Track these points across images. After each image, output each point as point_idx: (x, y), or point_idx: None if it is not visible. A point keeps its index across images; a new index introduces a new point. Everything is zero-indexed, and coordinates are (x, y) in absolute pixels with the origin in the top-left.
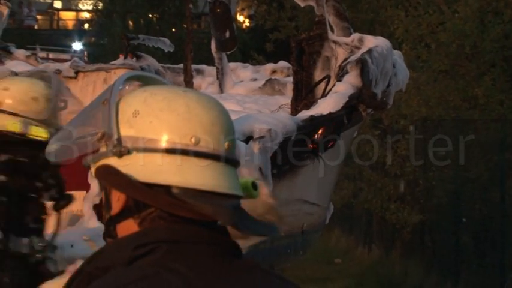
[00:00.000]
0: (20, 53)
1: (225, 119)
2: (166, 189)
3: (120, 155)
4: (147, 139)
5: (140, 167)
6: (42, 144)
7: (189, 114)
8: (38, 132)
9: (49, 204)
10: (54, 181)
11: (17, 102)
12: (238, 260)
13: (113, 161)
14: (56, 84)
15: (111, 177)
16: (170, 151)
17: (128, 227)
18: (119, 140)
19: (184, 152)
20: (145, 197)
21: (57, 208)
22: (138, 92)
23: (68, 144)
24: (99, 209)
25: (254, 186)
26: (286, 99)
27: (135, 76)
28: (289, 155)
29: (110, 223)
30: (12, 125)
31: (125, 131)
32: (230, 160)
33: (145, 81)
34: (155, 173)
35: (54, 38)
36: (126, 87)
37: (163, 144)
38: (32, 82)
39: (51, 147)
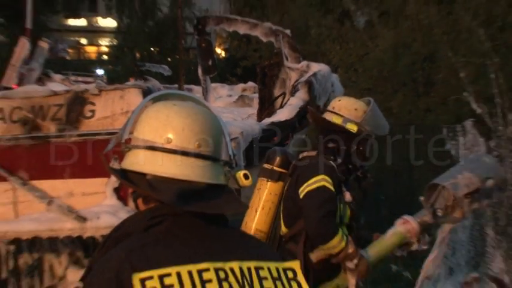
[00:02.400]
0: (57, 76)
1: (198, 125)
2: (144, 176)
3: (124, 151)
4: (141, 139)
5: (132, 160)
6: (353, 136)
7: (167, 121)
8: (351, 126)
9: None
10: (359, 164)
11: (343, 108)
12: (225, 227)
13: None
14: (373, 106)
15: (110, 170)
16: (148, 148)
17: (140, 204)
18: (125, 140)
19: (156, 149)
20: (125, 182)
21: (361, 185)
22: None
23: None
24: (118, 191)
25: (246, 176)
26: (253, 110)
27: (168, 94)
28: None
29: (133, 200)
30: (336, 119)
31: (134, 134)
32: (200, 155)
33: (176, 97)
34: (136, 164)
35: (81, 66)
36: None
37: (147, 143)
38: (357, 100)
39: None
